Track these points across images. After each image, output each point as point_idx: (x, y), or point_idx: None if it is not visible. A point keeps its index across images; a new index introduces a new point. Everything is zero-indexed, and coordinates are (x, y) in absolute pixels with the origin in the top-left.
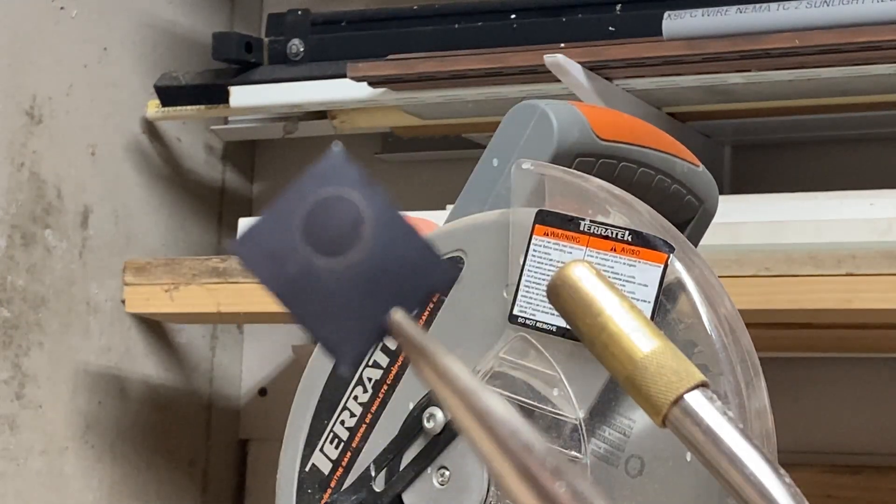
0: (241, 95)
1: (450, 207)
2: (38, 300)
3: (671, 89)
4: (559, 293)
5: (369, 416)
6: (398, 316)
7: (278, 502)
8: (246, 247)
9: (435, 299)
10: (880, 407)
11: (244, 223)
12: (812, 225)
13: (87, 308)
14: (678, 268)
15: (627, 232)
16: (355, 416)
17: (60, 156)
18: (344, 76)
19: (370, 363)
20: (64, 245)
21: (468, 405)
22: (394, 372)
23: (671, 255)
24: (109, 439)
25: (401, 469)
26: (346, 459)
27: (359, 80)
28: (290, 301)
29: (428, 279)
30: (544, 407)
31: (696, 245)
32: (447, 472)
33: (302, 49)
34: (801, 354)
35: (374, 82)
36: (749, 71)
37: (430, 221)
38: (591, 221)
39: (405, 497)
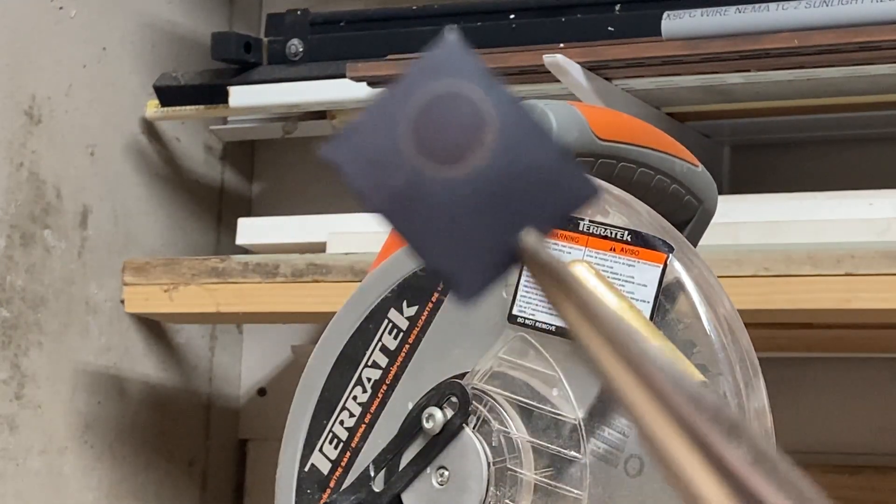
0: (241, 95)
1: None
2: (37, 300)
3: (670, 89)
4: None
5: (368, 416)
6: (531, 239)
7: (277, 502)
8: (342, 151)
9: (434, 299)
10: (879, 407)
11: (244, 223)
12: (811, 225)
13: (87, 308)
14: (677, 268)
15: (626, 232)
16: (354, 416)
17: (59, 156)
18: (343, 76)
19: (369, 363)
20: (63, 245)
21: (618, 348)
22: (393, 372)
23: (670, 255)
24: (109, 439)
25: (400, 469)
26: (345, 459)
27: (358, 80)
28: (396, 219)
29: (565, 194)
30: (543, 407)
31: (695, 245)
32: (446, 472)
33: (301, 49)
34: (800, 354)
35: (373, 82)
36: (748, 71)
37: None
38: (590, 221)
39: (404, 497)
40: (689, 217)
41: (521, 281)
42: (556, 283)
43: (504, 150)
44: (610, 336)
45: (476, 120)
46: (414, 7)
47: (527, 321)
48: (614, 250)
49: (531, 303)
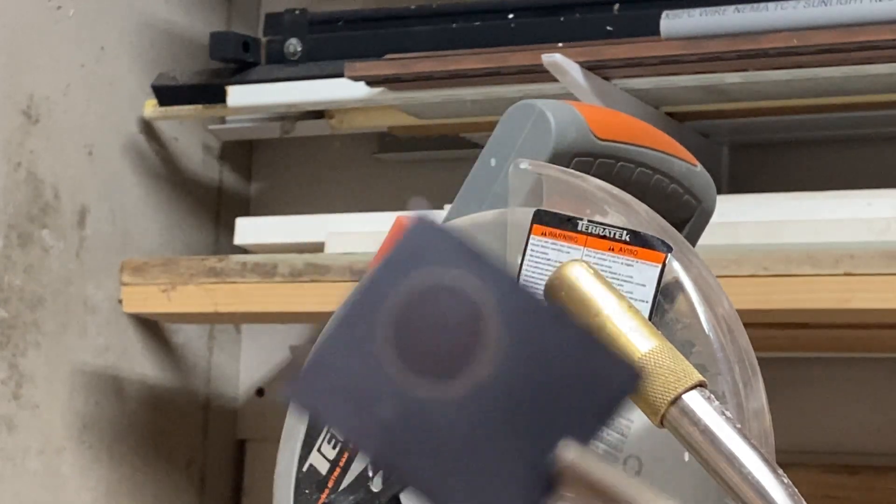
0: (239, 95)
1: (447, 207)
2: (35, 300)
3: (669, 89)
4: (557, 293)
5: None
6: (572, 454)
7: (276, 502)
8: (310, 388)
9: None
10: (878, 407)
11: (242, 223)
12: (810, 225)
13: (85, 308)
14: (676, 267)
15: (625, 232)
16: None
17: (57, 155)
18: (341, 76)
19: None
20: (61, 245)
21: None
22: None
23: (669, 254)
24: (107, 439)
25: None
26: (343, 459)
27: (356, 79)
28: (394, 459)
29: (603, 385)
30: None
31: (694, 245)
32: None
33: (299, 49)
34: (799, 354)
35: (371, 82)
36: (747, 70)
37: None
38: (588, 221)
39: (403, 497)
40: (687, 217)
41: (520, 281)
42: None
43: (514, 349)
44: None
45: (471, 316)
46: (412, 7)
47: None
48: (613, 250)
49: None
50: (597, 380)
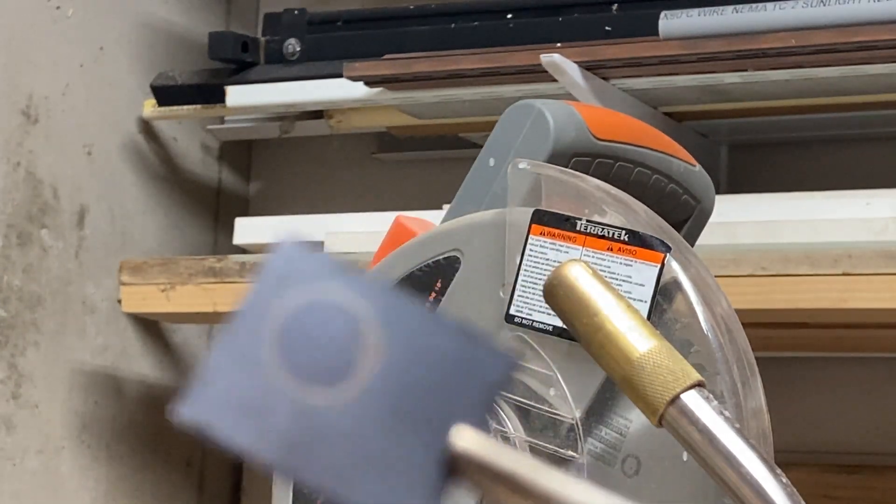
0: (238, 95)
1: (446, 207)
2: (34, 300)
3: (668, 89)
4: (556, 293)
5: None
6: (465, 441)
7: (275, 502)
8: (203, 406)
9: (431, 298)
10: (877, 406)
11: (241, 223)
12: (808, 224)
13: (84, 308)
14: (675, 267)
15: (624, 231)
16: None
17: (57, 155)
18: (340, 76)
19: None
20: (60, 245)
21: None
22: None
23: (668, 254)
24: (105, 439)
25: None
26: None
27: (355, 79)
28: (297, 465)
29: (482, 374)
30: (541, 407)
31: (692, 245)
32: None
33: (298, 49)
34: (797, 354)
35: (370, 82)
36: (746, 70)
37: (427, 221)
38: (587, 221)
39: None
40: (686, 216)
41: (519, 281)
42: (507, 482)
43: (395, 348)
44: None
45: (350, 324)
46: (411, 6)
47: (524, 321)
48: (612, 250)
49: (528, 303)
50: (477, 368)
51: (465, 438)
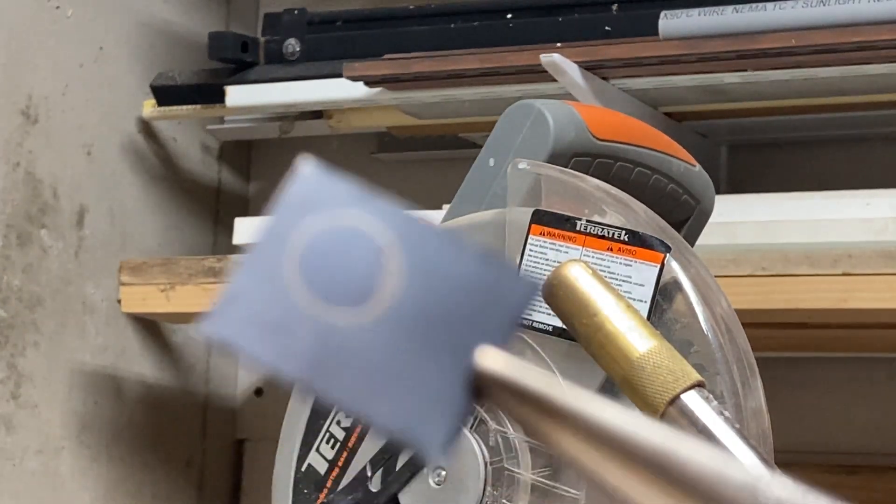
0: (238, 95)
1: (446, 207)
2: (33, 300)
3: (668, 89)
4: (555, 293)
5: None
6: (489, 360)
7: (274, 502)
8: (227, 323)
9: None
10: (877, 406)
11: (241, 223)
12: (808, 225)
13: (83, 308)
14: (675, 267)
15: (624, 231)
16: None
17: (56, 155)
18: (340, 76)
19: None
20: (60, 245)
21: (648, 458)
22: None
23: (668, 254)
24: (105, 439)
25: (397, 469)
26: (342, 459)
27: (355, 79)
28: (320, 383)
29: (504, 297)
30: None
31: (692, 245)
32: (443, 472)
33: (298, 49)
34: (797, 354)
35: (370, 82)
36: (745, 70)
37: None
38: (587, 221)
39: (401, 497)
40: (686, 217)
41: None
42: (534, 400)
43: (417, 272)
44: (624, 455)
45: (371, 247)
46: (411, 6)
47: (524, 321)
48: (612, 250)
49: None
50: (498, 292)
51: (490, 358)
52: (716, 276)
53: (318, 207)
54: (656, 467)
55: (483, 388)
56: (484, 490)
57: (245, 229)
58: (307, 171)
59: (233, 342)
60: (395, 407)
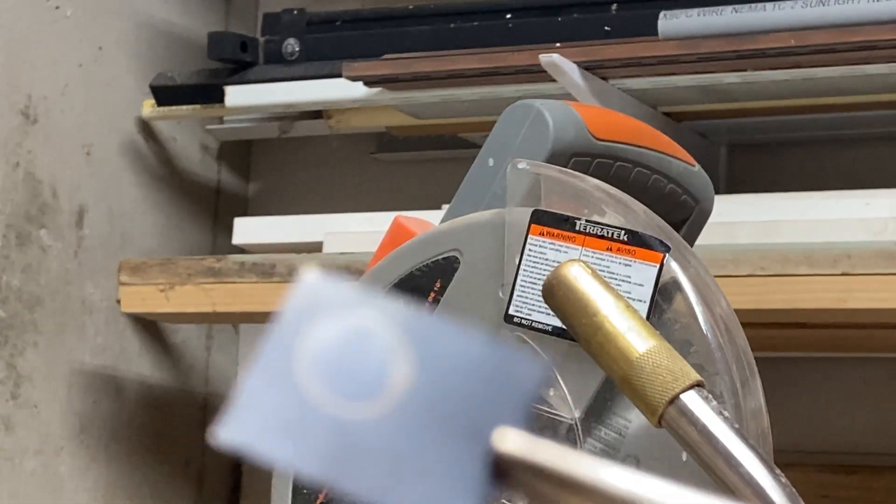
0: (237, 95)
1: (445, 207)
2: (33, 300)
3: (667, 89)
4: (555, 293)
5: None
6: (508, 442)
7: (274, 502)
8: (244, 428)
9: (430, 298)
10: (876, 407)
11: (240, 223)
12: (808, 225)
13: (83, 308)
14: (674, 267)
15: (623, 231)
16: None
17: (55, 155)
18: (339, 76)
19: None
20: (59, 245)
21: None
22: None
23: (667, 254)
24: (105, 439)
25: None
26: None
27: (354, 79)
28: (341, 479)
29: (516, 379)
30: (540, 407)
31: (691, 245)
32: None
33: (297, 49)
34: (796, 354)
35: (369, 82)
36: (745, 70)
37: (426, 221)
38: (586, 221)
39: None
40: (685, 217)
41: (518, 281)
42: (557, 479)
43: (427, 362)
44: None
45: (380, 343)
46: (410, 7)
47: (523, 321)
48: (611, 250)
49: (527, 303)
50: (510, 377)
51: (509, 440)
52: (715, 276)
53: (323, 310)
54: None
55: (503, 471)
56: None
57: (244, 229)
58: (310, 279)
59: (250, 447)
60: (416, 496)
